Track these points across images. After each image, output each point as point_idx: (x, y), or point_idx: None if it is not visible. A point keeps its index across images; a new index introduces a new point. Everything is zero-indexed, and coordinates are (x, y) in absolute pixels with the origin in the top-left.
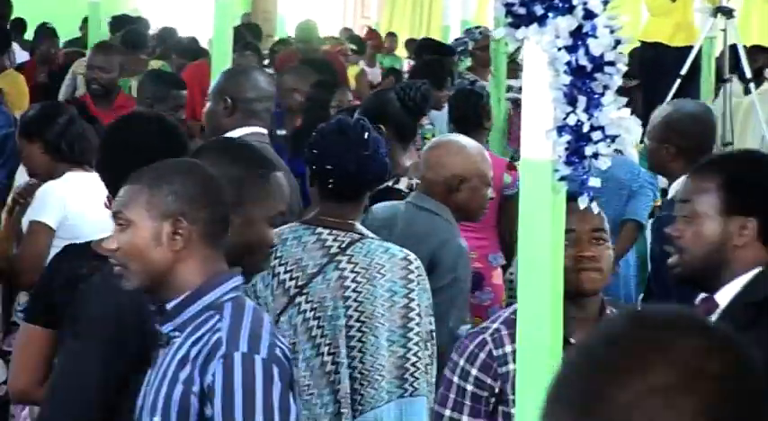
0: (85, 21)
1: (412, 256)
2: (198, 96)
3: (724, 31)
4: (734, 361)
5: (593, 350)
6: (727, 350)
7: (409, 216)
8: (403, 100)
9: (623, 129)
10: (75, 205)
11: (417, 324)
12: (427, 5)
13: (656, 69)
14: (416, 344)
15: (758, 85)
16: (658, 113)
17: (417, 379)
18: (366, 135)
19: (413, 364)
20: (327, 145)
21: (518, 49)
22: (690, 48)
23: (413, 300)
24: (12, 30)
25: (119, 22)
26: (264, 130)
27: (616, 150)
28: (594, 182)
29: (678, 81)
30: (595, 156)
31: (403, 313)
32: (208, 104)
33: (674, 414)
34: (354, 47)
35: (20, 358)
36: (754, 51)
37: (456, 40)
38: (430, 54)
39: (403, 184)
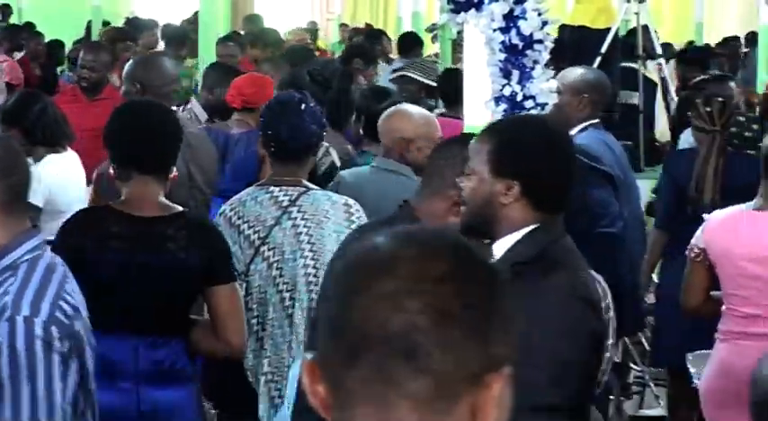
0: (89, 23)
1: (351, 201)
2: None
3: (637, 14)
4: (454, 265)
5: (341, 271)
6: (445, 256)
7: (377, 178)
8: (312, 76)
9: (552, 97)
10: (57, 184)
11: None
12: (383, 1)
13: (581, 49)
14: None
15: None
16: (569, 73)
17: None
18: (302, 107)
19: None
20: (270, 115)
21: (460, 32)
22: (609, 29)
23: None
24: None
25: (131, 25)
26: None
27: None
28: None
29: (599, 59)
30: None
31: None
32: (123, 88)
33: (403, 314)
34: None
35: None
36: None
37: (431, 24)
38: (362, 38)
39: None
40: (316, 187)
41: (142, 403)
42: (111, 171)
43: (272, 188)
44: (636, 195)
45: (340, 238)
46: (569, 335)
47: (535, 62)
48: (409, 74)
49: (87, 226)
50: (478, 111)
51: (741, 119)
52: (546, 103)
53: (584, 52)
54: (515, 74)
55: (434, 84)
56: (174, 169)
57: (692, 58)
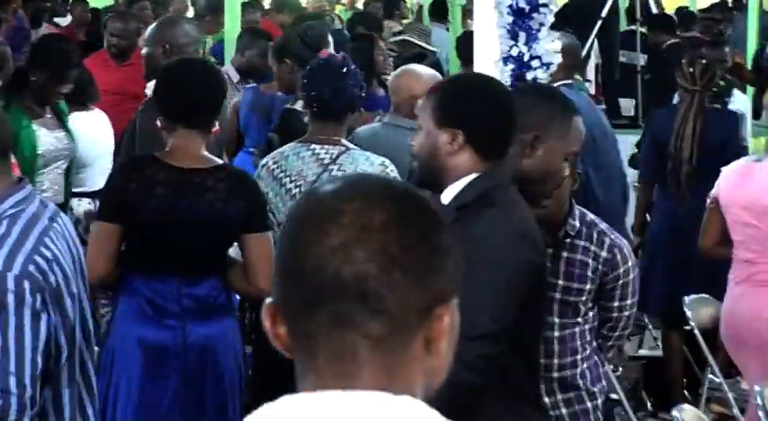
0: None
1: (387, 161)
2: None
3: None
4: (393, 213)
5: (293, 221)
6: (385, 205)
7: (389, 133)
8: (302, 38)
9: (557, 57)
10: (83, 139)
11: None
12: None
13: (583, 13)
14: None
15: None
16: None
17: None
18: (344, 69)
19: None
20: (312, 77)
21: None
22: None
23: None
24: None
25: None
26: None
27: (568, 84)
28: None
29: (599, 22)
30: (534, 80)
31: None
32: (146, 49)
33: (354, 265)
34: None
35: (94, 250)
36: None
37: None
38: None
39: (298, 105)
40: (354, 146)
41: (188, 337)
42: (159, 123)
43: (313, 145)
44: (616, 153)
45: None
46: (502, 265)
47: (541, 25)
48: (410, 38)
49: (133, 172)
50: (489, 71)
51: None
52: (551, 63)
53: (587, 16)
54: (522, 35)
55: (432, 47)
56: (217, 124)
57: (657, 23)
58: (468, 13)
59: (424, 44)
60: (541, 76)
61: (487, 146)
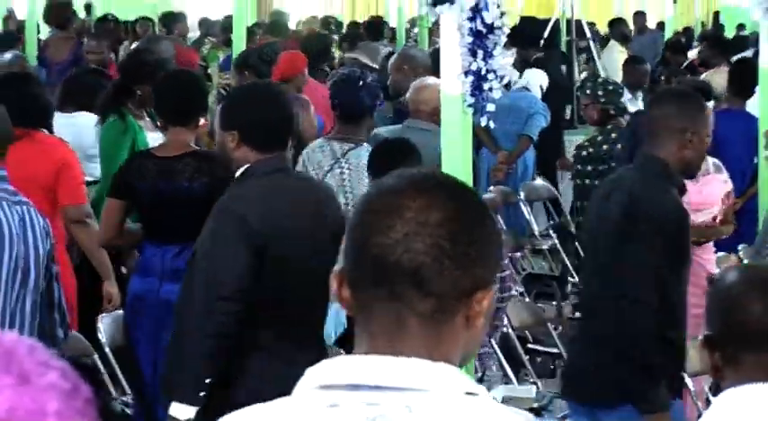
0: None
1: None
2: None
3: (572, 7)
4: (450, 211)
5: (363, 211)
6: (441, 205)
7: (409, 134)
8: (260, 55)
9: (508, 71)
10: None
11: None
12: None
13: (530, 34)
14: None
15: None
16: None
17: None
18: (360, 82)
19: None
20: (335, 87)
21: (436, 21)
22: (549, 19)
23: None
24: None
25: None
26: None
27: (524, 87)
28: (490, 107)
29: (542, 41)
30: (490, 90)
31: None
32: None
33: (412, 254)
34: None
35: (102, 220)
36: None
37: None
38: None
39: None
40: (366, 145)
41: (162, 293)
42: (159, 123)
43: (332, 142)
44: None
45: None
46: (218, 248)
47: (495, 44)
48: (358, 57)
49: (134, 162)
50: (452, 82)
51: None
52: (504, 76)
53: (533, 36)
54: (480, 53)
55: (376, 65)
56: (202, 119)
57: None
58: (433, 32)
59: (370, 62)
60: (496, 86)
61: (259, 143)
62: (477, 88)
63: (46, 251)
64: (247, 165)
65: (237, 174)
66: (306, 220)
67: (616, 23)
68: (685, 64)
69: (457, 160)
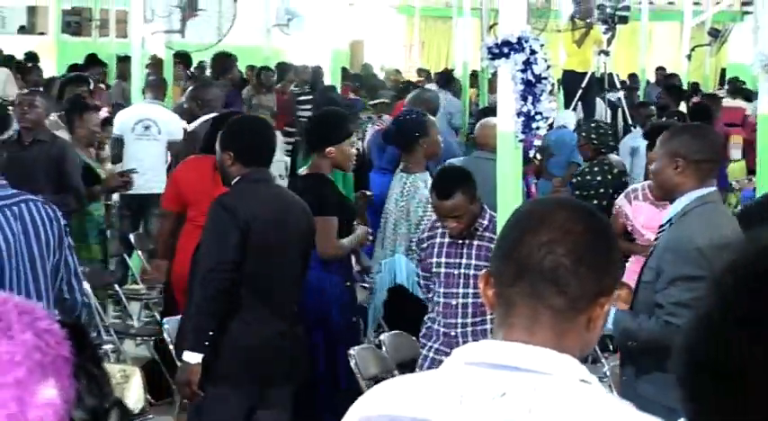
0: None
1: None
2: None
3: (605, 63)
4: (589, 226)
5: (516, 219)
6: (581, 220)
7: (478, 164)
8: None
9: (552, 113)
10: None
11: None
12: (444, 54)
13: (570, 85)
14: None
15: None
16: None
17: None
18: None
19: None
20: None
21: (494, 73)
22: (586, 73)
23: None
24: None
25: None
26: None
27: (563, 126)
28: (537, 142)
29: (580, 91)
30: (537, 128)
31: None
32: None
33: (554, 256)
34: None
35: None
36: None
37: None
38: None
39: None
40: (418, 172)
41: None
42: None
43: (400, 170)
44: None
45: (424, 207)
46: (214, 232)
47: (542, 91)
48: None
49: None
50: (507, 121)
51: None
52: (548, 117)
53: (573, 87)
54: (530, 98)
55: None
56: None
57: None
58: (492, 81)
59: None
60: (542, 125)
61: (246, 159)
62: (526, 127)
63: (53, 234)
64: (239, 176)
65: (233, 182)
66: (277, 214)
67: (668, 77)
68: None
69: (509, 183)
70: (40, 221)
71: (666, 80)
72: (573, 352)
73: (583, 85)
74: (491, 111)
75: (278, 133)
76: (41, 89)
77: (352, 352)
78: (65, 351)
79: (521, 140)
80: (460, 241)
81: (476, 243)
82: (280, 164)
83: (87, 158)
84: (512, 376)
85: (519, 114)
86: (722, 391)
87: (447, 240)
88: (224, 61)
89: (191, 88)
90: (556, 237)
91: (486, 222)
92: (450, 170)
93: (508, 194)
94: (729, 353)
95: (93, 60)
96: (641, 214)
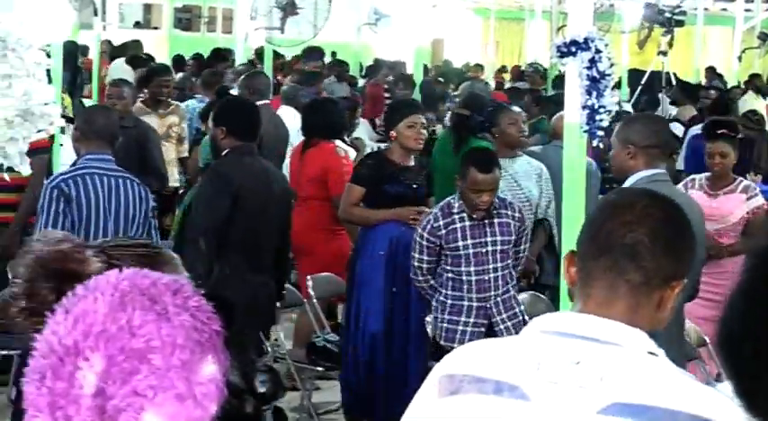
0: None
1: (542, 167)
2: None
3: (663, 63)
4: (668, 212)
5: (603, 205)
6: (661, 206)
7: (556, 152)
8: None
9: (614, 107)
10: None
11: None
12: (517, 53)
13: (633, 81)
14: None
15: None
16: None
17: None
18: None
19: None
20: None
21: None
22: (646, 71)
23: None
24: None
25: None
26: None
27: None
28: (600, 132)
29: (639, 87)
30: (601, 120)
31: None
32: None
33: (634, 233)
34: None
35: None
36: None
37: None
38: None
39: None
40: (521, 154)
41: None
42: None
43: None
44: None
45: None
46: (207, 199)
47: (606, 87)
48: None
49: None
50: (574, 114)
51: None
52: (611, 110)
53: (635, 83)
54: (594, 93)
55: None
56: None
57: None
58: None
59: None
60: (605, 118)
61: (237, 135)
62: (590, 118)
63: (141, 212)
64: (229, 149)
65: (223, 154)
66: (261, 183)
67: (752, 78)
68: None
69: (575, 168)
70: (132, 198)
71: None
72: (643, 328)
73: (643, 82)
74: (556, 101)
75: (365, 121)
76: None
77: None
78: (216, 325)
79: (585, 131)
80: (480, 222)
81: (496, 221)
82: (367, 150)
83: None
84: (585, 345)
85: (584, 107)
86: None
87: (468, 223)
88: (313, 54)
89: (242, 77)
90: (637, 218)
91: (497, 201)
92: (480, 149)
93: (574, 178)
94: None
95: (218, 54)
96: None
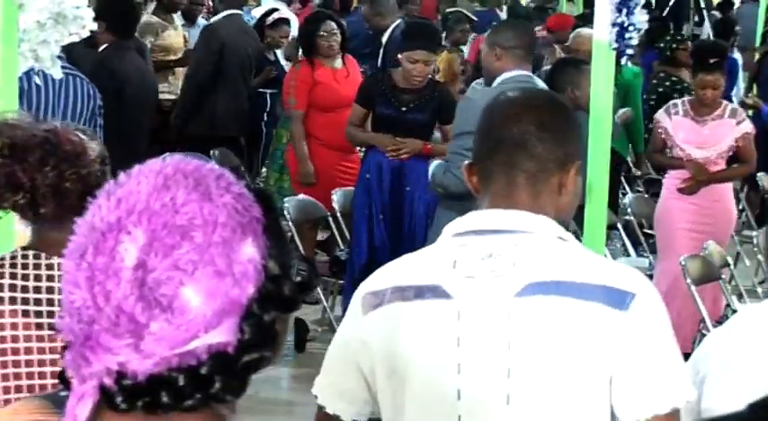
0: None
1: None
2: None
3: None
4: (548, 102)
5: (489, 107)
6: (542, 98)
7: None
8: None
9: (644, 25)
10: None
11: None
12: None
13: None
14: None
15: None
16: None
17: None
18: None
19: None
20: None
21: None
22: None
23: None
24: None
25: None
26: None
27: None
28: (629, 51)
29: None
30: (630, 38)
31: None
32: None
33: (521, 124)
34: None
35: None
36: None
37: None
38: None
39: None
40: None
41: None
42: None
43: None
44: None
45: None
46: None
47: (636, 4)
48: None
49: None
50: (603, 31)
51: None
52: (640, 29)
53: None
54: (624, 10)
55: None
56: None
57: None
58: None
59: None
60: (634, 36)
61: (116, 30)
62: (620, 36)
63: (88, 108)
64: (108, 43)
65: (101, 48)
66: (140, 73)
67: None
68: None
69: (601, 88)
70: (80, 94)
71: None
72: (549, 214)
73: (671, 3)
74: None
75: None
76: None
77: None
78: (257, 213)
79: (614, 49)
80: None
81: None
82: None
83: None
84: (496, 238)
85: (614, 25)
86: None
87: None
88: None
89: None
90: (521, 111)
91: None
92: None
93: (600, 97)
94: None
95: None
96: (681, 130)
